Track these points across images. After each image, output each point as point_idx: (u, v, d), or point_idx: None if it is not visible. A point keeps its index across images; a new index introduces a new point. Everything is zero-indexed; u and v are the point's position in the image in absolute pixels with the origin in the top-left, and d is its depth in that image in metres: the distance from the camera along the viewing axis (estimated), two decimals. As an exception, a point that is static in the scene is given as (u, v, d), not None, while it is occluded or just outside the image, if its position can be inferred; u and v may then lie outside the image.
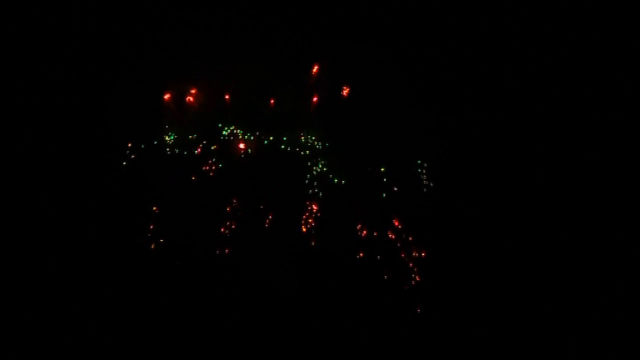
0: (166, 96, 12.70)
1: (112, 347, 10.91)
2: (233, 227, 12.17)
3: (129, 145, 12.52)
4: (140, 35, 12.63)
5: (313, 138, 12.72)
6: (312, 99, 12.82)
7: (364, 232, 12.06)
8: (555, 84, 12.24)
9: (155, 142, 12.65)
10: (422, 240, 11.95)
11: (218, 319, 11.32)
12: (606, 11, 11.98)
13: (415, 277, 11.72)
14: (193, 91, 12.81)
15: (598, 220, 11.58)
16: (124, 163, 12.43)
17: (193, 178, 12.51)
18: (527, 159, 12.14)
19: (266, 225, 12.16)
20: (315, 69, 12.71)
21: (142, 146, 12.59)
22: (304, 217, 12.19)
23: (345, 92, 12.73)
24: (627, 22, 11.93)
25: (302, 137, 12.73)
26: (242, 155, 12.69)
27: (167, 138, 12.69)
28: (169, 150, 12.64)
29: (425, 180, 12.36)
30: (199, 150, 12.69)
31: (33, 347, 10.79)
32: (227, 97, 12.87)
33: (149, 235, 12.02)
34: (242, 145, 12.71)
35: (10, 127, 12.07)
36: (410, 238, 11.97)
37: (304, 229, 12.10)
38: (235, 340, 11.17)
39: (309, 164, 12.56)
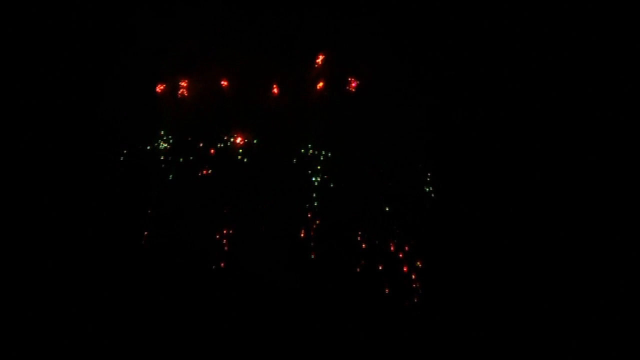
0: (160, 92, 12.63)
1: (112, 347, 10.92)
2: (231, 232, 12.07)
3: (124, 151, 12.46)
4: (132, 32, 12.56)
5: (313, 144, 12.56)
6: (312, 100, 12.75)
7: (365, 239, 11.94)
8: (555, 84, 12.24)
9: (149, 147, 12.56)
10: (425, 247, 11.85)
11: (218, 319, 11.32)
12: (606, 11, 11.98)
13: (416, 281, 11.67)
14: (185, 85, 12.69)
15: (598, 220, 11.58)
16: (120, 166, 12.38)
17: (191, 181, 12.42)
18: (527, 159, 12.13)
19: (263, 230, 12.03)
20: (316, 66, 12.65)
21: (140, 147, 12.55)
22: (303, 224, 12.05)
23: (350, 87, 12.62)
24: (627, 22, 11.93)
25: (303, 147, 12.56)
26: (239, 158, 12.57)
27: (163, 144, 12.62)
28: (165, 154, 12.55)
29: (429, 188, 12.22)
30: (197, 154, 12.58)
31: (33, 347, 10.81)
32: (224, 86, 12.71)
33: (147, 237, 11.99)
34: (240, 150, 12.59)
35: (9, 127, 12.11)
36: (412, 241, 11.89)
37: (302, 234, 12.00)
38: (235, 341, 11.18)
39: (309, 172, 12.42)
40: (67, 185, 11.99)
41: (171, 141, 12.66)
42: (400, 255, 11.80)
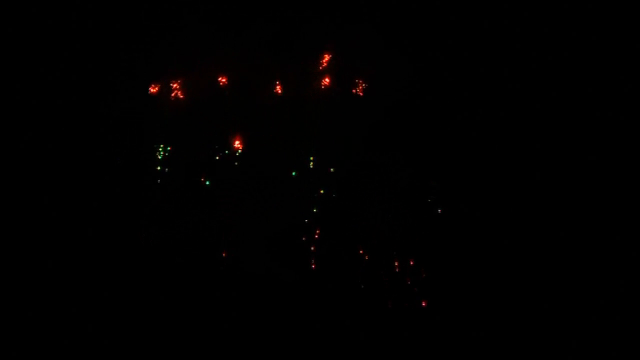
0: (158, 91, 12.60)
1: (112, 347, 10.93)
2: (230, 234, 12.01)
3: (124, 151, 12.42)
4: (132, 32, 12.55)
5: (314, 147, 12.45)
6: (315, 100, 12.65)
7: (367, 253, 11.86)
8: (555, 84, 12.23)
9: (148, 148, 12.52)
10: (428, 251, 11.80)
11: (218, 319, 11.32)
12: (606, 11, 11.99)
13: (417, 283, 11.64)
14: (184, 83, 12.65)
15: (598, 220, 11.58)
16: (120, 166, 12.36)
17: (189, 183, 12.36)
18: (527, 159, 12.12)
19: (263, 233, 11.96)
20: (320, 67, 12.59)
21: (139, 148, 12.51)
22: (304, 230, 11.98)
23: (354, 88, 12.55)
24: (627, 22, 11.94)
25: (304, 151, 12.46)
26: (236, 163, 12.49)
27: (161, 145, 12.58)
28: (164, 155, 12.51)
29: (433, 197, 12.14)
30: (196, 155, 12.52)
31: (33, 347, 10.81)
32: (222, 84, 12.63)
33: (147, 236, 11.99)
34: (238, 153, 12.52)
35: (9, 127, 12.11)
36: (415, 242, 11.84)
37: (303, 238, 11.94)
38: (235, 341, 11.18)
39: (311, 178, 12.32)
40: (67, 185, 11.99)
41: (169, 145, 12.61)
42: (404, 262, 11.77)
